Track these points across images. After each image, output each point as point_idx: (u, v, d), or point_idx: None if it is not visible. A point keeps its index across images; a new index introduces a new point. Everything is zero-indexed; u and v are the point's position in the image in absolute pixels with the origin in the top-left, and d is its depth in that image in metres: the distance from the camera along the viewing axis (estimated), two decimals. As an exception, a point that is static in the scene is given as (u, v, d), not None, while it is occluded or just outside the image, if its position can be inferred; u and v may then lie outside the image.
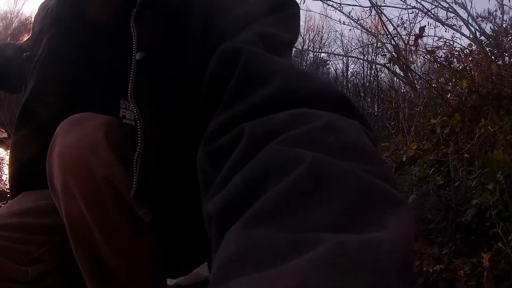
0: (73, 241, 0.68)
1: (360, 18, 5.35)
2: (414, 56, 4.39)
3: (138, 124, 0.61)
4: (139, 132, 0.61)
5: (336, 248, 0.23)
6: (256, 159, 0.35)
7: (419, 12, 4.46)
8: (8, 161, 0.89)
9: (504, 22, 4.08)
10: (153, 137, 0.62)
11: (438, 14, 4.32)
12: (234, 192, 0.34)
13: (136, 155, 0.61)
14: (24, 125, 0.80)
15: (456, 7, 4.20)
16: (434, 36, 4.54)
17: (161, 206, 0.69)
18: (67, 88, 0.76)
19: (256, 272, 0.24)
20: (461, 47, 3.17)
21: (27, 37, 0.99)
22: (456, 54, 3.07)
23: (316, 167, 0.30)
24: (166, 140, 0.63)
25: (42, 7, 0.88)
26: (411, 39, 4.36)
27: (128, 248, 0.70)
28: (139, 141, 0.61)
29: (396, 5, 4.84)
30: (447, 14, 4.25)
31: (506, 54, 2.70)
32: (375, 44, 5.91)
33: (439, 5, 4.27)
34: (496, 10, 4.26)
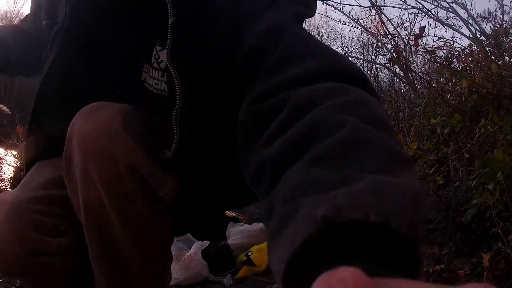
0: (88, 228, 0.69)
1: (360, 18, 5.35)
2: (414, 56, 4.39)
3: (176, 84, 0.65)
4: (177, 90, 0.65)
5: (374, 183, 0.34)
6: (307, 119, 0.44)
7: (419, 12, 4.45)
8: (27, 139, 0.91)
9: (504, 22, 4.07)
10: (187, 98, 0.66)
11: (438, 14, 4.31)
12: (292, 140, 0.43)
13: (174, 112, 0.65)
14: (48, 95, 0.81)
15: (456, 7, 4.19)
16: (434, 36, 4.53)
17: (189, 170, 0.71)
18: (90, 53, 0.78)
19: (316, 194, 0.34)
20: (461, 47, 3.17)
21: (25, 15, 0.99)
22: (456, 54, 3.07)
23: (356, 130, 0.40)
24: (199, 103, 0.67)
25: None
26: (411, 39, 4.36)
27: (145, 236, 0.71)
28: (177, 99, 0.65)
29: (396, 5, 4.82)
30: (447, 14, 4.25)
31: (506, 54, 2.70)
32: (375, 44, 5.90)
33: (439, 5, 4.27)
34: (496, 10, 4.24)
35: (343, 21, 6.21)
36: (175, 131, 0.65)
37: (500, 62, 2.57)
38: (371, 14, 4.80)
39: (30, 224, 0.71)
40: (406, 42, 4.44)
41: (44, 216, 0.72)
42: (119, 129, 0.64)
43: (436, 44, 3.70)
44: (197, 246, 1.79)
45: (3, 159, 5.13)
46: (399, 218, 0.31)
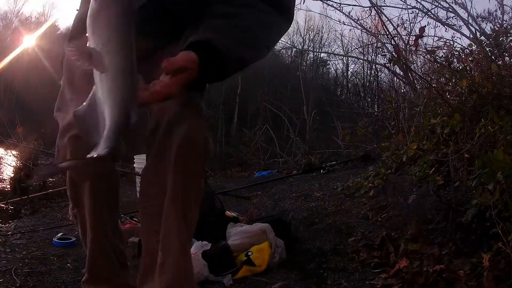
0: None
1: (360, 18, 5.36)
2: (414, 56, 4.38)
3: None
4: None
5: (238, 38, 0.93)
6: (240, 13, 0.94)
7: (419, 12, 4.46)
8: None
9: (504, 22, 4.07)
10: None
11: (438, 14, 4.32)
12: (227, 13, 0.94)
13: None
14: None
15: (456, 7, 4.20)
16: (434, 36, 4.55)
17: None
18: None
19: (211, 31, 0.91)
20: (461, 47, 3.16)
21: None
22: (456, 54, 3.06)
23: (250, 25, 0.95)
24: None
25: None
26: (411, 39, 4.36)
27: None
28: None
29: (396, 5, 4.84)
30: (447, 14, 4.26)
31: (506, 54, 2.70)
32: (375, 44, 5.91)
33: (439, 5, 4.28)
34: (496, 10, 4.25)
35: (343, 21, 6.22)
36: None
37: (500, 62, 2.57)
38: (371, 14, 4.81)
39: None
40: (406, 42, 4.45)
41: None
42: None
43: (436, 44, 3.70)
44: (197, 246, 1.79)
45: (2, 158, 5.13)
46: (226, 48, 0.86)
